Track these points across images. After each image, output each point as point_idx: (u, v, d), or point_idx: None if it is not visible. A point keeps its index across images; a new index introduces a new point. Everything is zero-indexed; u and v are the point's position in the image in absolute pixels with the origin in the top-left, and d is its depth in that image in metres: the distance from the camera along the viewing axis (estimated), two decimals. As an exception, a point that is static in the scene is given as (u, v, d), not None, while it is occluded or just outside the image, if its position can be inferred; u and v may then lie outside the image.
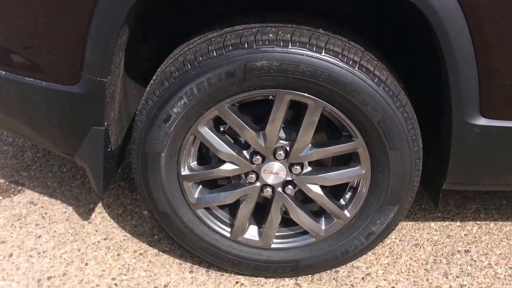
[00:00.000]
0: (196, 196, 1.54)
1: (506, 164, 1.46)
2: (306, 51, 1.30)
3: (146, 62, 1.61)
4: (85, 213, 1.87)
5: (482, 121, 1.36)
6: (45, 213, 1.87)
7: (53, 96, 1.44)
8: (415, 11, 1.26)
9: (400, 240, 1.78)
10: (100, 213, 1.87)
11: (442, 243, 1.76)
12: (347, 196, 1.55)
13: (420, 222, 1.85)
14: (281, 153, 1.45)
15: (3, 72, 1.46)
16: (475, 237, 1.79)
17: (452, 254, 1.72)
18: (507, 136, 1.40)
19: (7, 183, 2.02)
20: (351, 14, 1.61)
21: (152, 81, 1.43)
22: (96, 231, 1.79)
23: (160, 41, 1.65)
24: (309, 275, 1.64)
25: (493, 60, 1.28)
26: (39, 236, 1.77)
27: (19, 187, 2.00)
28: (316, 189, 1.51)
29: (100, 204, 1.91)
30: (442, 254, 1.72)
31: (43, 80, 1.43)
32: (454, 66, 1.27)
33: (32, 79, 1.44)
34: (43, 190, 1.98)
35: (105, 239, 1.76)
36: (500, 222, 1.84)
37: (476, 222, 1.85)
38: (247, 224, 1.59)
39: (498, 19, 1.26)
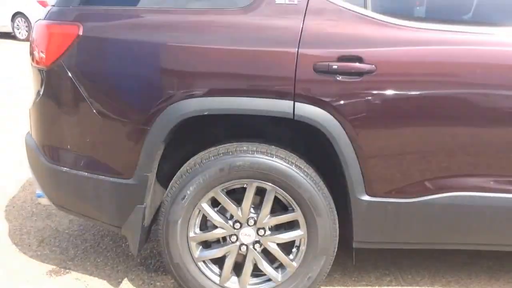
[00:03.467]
0: (198, 252, 2.42)
1: (390, 228, 2.38)
2: (265, 156, 2.30)
3: (168, 165, 2.56)
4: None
5: (367, 198, 2.31)
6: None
7: (115, 186, 2.38)
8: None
9: None
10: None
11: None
12: (294, 250, 2.43)
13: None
14: (251, 221, 2.38)
15: (86, 173, 2.43)
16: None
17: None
18: (385, 207, 2.33)
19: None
20: (288, 136, 2.55)
21: (175, 176, 2.40)
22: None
23: (179, 153, 2.58)
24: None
25: (366, 156, 2.27)
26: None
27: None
28: (274, 246, 2.40)
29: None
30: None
31: (108, 176, 2.38)
32: (344, 161, 2.26)
33: (101, 176, 2.39)
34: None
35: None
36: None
37: None
38: (230, 274, 2.44)
39: (366, 128, 2.19)
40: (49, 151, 2.49)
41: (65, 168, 2.44)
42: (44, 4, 14.12)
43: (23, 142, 2.76)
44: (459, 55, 2.21)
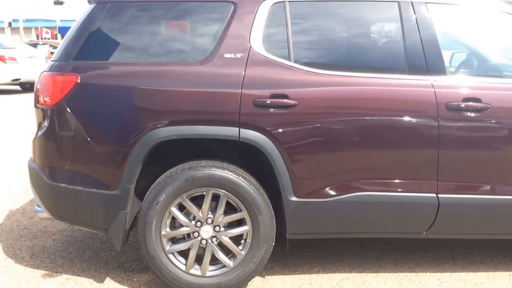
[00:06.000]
0: (168, 246, 3.13)
1: (313, 222, 3.16)
2: (218, 170, 3.07)
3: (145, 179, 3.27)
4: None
5: (295, 198, 3.10)
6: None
7: (104, 197, 3.08)
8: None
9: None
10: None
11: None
12: (242, 242, 3.17)
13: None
14: (209, 220, 3.12)
15: (81, 188, 3.12)
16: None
17: (302, 285, 3.30)
18: (308, 206, 3.12)
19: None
20: (236, 155, 3.29)
21: (151, 187, 3.12)
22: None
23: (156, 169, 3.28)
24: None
25: (293, 167, 3.07)
26: None
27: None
28: (227, 239, 3.14)
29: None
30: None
31: (99, 189, 3.10)
32: (277, 172, 3.05)
33: (94, 189, 3.10)
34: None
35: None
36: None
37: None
38: (194, 263, 3.15)
39: (292, 147, 3.00)
40: (50, 171, 3.19)
41: (64, 185, 3.14)
42: (2, 59, 14.68)
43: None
44: (355, 93, 3.09)
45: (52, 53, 20.34)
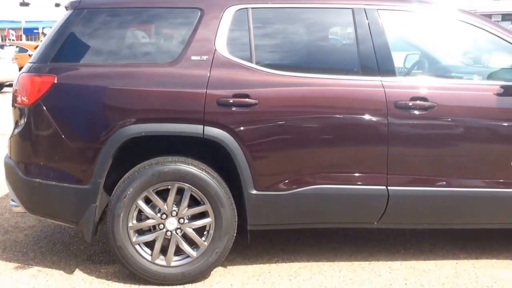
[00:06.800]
0: (135, 237, 3.30)
1: (273, 213, 3.37)
2: (183, 165, 3.26)
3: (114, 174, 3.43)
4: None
5: (255, 192, 3.30)
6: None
7: (76, 191, 3.23)
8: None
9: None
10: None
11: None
12: (205, 233, 3.36)
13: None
14: (174, 213, 3.30)
15: (54, 183, 3.27)
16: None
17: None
18: (267, 198, 3.32)
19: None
20: (202, 151, 3.47)
21: (120, 181, 3.28)
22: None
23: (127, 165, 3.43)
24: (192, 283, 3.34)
25: (253, 162, 3.27)
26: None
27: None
28: (191, 230, 3.32)
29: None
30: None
31: (71, 184, 3.24)
32: (239, 167, 3.24)
33: (66, 184, 3.25)
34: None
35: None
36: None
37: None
38: (159, 254, 3.33)
39: (253, 144, 3.20)
40: (25, 167, 3.34)
41: (38, 180, 3.29)
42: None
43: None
44: (312, 93, 3.32)
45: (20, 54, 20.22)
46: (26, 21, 44.51)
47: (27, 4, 46.61)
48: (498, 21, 26.24)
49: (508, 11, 36.95)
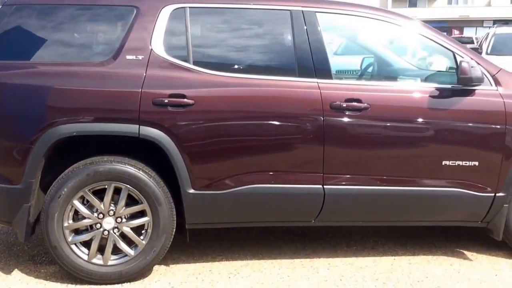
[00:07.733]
0: (71, 237, 3.29)
1: (210, 212, 3.40)
2: (120, 164, 3.25)
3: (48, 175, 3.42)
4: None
5: (193, 191, 3.32)
6: None
7: (7, 191, 3.21)
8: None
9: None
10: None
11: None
12: (143, 232, 3.37)
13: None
14: (111, 212, 3.30)
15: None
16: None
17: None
18: (204, 197, 3.35)
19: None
20: (140, 151, 3.49)
21: (54, 181, 3.27)
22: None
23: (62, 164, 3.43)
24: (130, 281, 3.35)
25: (190, 162, 3.28)
26: None
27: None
28: (128, 229, 3.33)
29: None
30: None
31: (2, 183, 3.21)
32: (176, 166, 3.25)
33: (-3, 184, 3.24)
34: None
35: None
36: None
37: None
38: (96, 253, 3.33)
39: (189, 143, 3.21)
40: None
41: (-34, 179, 3.26)
42: None
43: None
44: (248, 93, 3.35)
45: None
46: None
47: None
48: (489, 27, 26.84)
49: (499, 17, 38.88)
